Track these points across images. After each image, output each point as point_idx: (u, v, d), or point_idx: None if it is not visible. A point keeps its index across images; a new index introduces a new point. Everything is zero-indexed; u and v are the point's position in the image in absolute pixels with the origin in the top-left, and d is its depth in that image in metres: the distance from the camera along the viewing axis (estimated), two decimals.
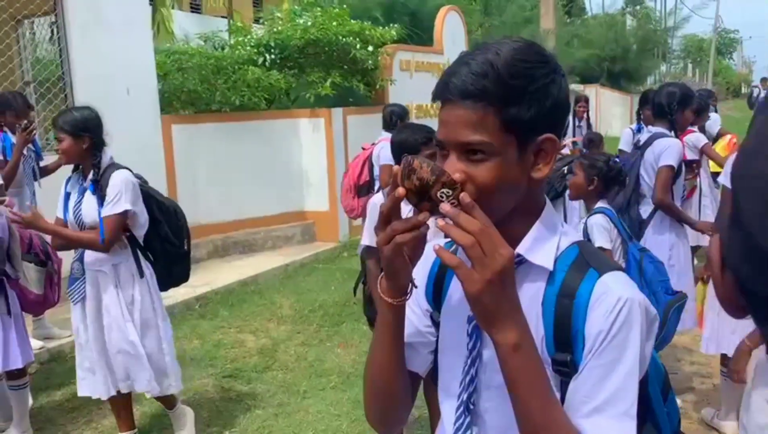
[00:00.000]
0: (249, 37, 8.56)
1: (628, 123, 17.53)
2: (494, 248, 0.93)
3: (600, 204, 3.10)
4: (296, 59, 8.37)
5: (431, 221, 1.00)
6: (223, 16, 15.57)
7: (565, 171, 6.72)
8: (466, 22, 11.42)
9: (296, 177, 8.24)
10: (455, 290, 1.16)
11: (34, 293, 3.67)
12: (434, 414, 3.28)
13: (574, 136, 8.39)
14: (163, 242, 3.38)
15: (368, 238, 3.07)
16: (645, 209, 3.94)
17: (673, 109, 3.90)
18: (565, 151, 8.02)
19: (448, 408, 1.17)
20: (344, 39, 8.09)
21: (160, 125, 6.93)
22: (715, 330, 3.50)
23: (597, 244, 3.01)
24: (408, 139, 2.79)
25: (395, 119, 5.44)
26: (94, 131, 3.20)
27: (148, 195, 3.34)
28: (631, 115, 20.75)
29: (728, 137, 6.06)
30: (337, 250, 7.84)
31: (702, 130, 6.87)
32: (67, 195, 3.26)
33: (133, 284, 3.26)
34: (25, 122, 4.47)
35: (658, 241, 3.85)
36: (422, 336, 1.21)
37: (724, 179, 3.50)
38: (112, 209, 3.10)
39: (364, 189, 5.41)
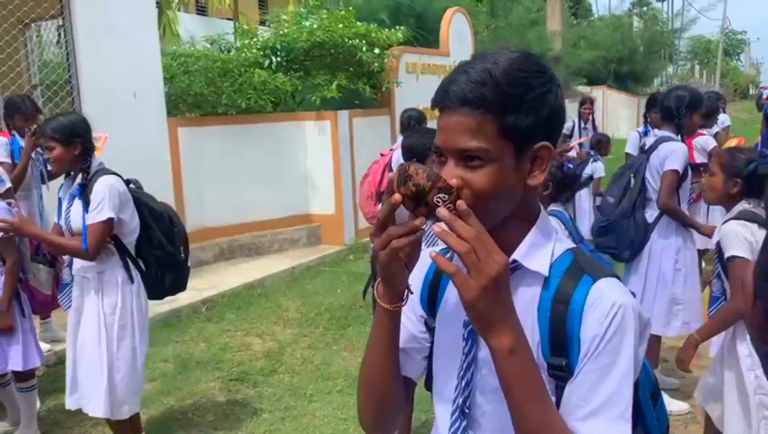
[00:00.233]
0: (255, 39, 8.57)
1: (635, 125, 17.51)
2: (488, 255, 0.95)
3: (552, 207, 3.13)
4: (302, 62, 8.38)
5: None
6: (228, 18, 15.60)
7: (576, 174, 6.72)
8: (472, 23, 11.40)
9: (302, 180, 8.25)
10: (451, 295, 1.18)
11: (43, 294, 3.72)
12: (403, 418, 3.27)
13: (580, 138, 8.38)
14: (156, 250, 3.27)
15: None
16: (651, 213, 3.92)
17: (681, 113, 3.88)
18: (572, 154, 8.02)
19: (443, 412, 1.19)
20: (350, 41, 8.09)
21: (167, 127, 6.94)
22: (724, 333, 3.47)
23: None
24: (417, 143, 2.80)
25: (413, 123, 5.43)
26: (85, 136, 3.12)
27: (139, 201, 3.26)
28: (638, 117, 20.70)
29: (735, 141, 6.02)
30: (343, 253, 7.84)
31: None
32: (60, 201, 3.22)
33: (118, 292, 3.13)
34: (35, 126, 4.47)
35: (665, 245, 3.83)
36: (416, 341, 1.24)
37: None
38: (95, 216, 3.01)
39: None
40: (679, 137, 3.92)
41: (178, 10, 15.77)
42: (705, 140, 5.58)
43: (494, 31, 15.21)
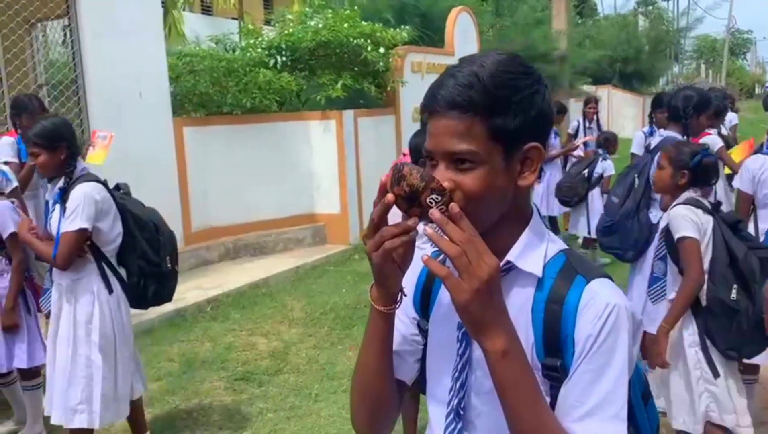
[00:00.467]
0: (260, 39, 8.58)
1: (641, 125, 17.47)
2: (480, 258, 0.96)
3: None
4: (307, 61, 8.38)
5: (420, 227, 1.03)
6: (233, 18, 15.64)
7: (586, 174, 6.71)
8: (477, 23, 11.38)
9: (307, 179, 8.24)
10: (444, 297, 1.19)
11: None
12: (407, 422, 3.28)
13: (585, 137, 8.35)
14: (139, 259, 3.17)
15: None
16: (655, 214, 3.90)
17: (687, 113, 3.86)
18: (578, 153, 8.01)
19: (437, 414, 1.19)
20: (355, 41, 8.08)
21: (172, 127, 6.95)
22: None
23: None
24: (421, 142, 2.79)
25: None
26: (70, 140, 3.03)
27: (123, 208, 3.15)
28: (643, 116, 20.63)
29: (744, 144, 5.97)
30: (348, 252, 7.83)
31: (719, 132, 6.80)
32: (47, 204, 3.18)
33: (93, 301, 3.03)
34: None
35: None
36: (409, 344, 1.25)
37: (740, 183, 3.48)
38: (67, 225, 2.92)
39: None
40: (685, 138, 3.91)
41: (183, 9, 15.81)
42: (712, 140, 5.54)
43: (499, 31, 15.17)
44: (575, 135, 8.48)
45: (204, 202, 7.38)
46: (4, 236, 3.44)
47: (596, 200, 6.86)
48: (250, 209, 7.78)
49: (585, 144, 8.15)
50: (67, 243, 2.92)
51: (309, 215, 8.28)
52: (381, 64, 8.31)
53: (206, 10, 18.72)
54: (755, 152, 5.19)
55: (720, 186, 5.76)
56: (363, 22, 8.43)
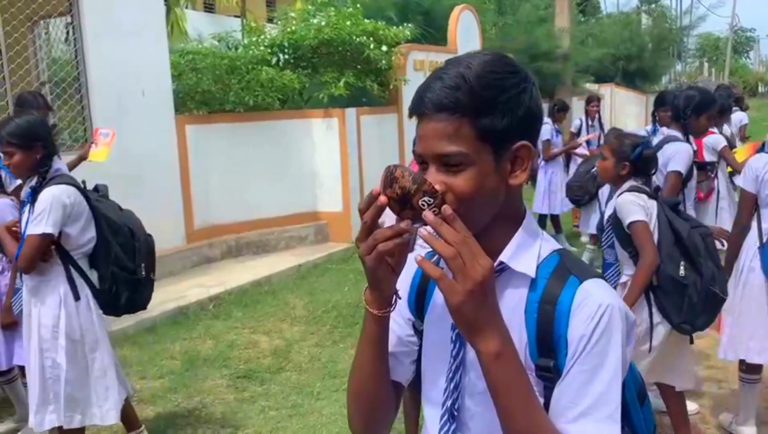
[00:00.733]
0: (262, 37, 8.57)
1: (643, 123, 17.41)
2: (474, 259, 0.96)
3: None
4: (310, 59, 8.37)
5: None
6: (236, 16, 15.62)
7: (595, 172, 6.71)
8: (480, 20, 11.36)
9: (309, 177, 8.24)
10: (438, 298, 1.18)
11: None
12: (409, 423, 3.29)
13: (587, 135, 8.34)
14: (112, 265, 3.06)
15: None
16: None
17: (687, 114, 3.86)
18: (582, 150, 7.99)
19: (433, 415, 1.19)
20: (358, 39, 8.07)
21: (175, 125, 6.96)
22: (733, 335, 3.46)
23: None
24: None
25: None
26: (46, 138, 2.92)
27: (97, 212, 3.03)
28: (646, 115, 20.57)
29: (748, 145, 5.95)
30: (350, 250, 7.83)
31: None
32: (22, 203, 3.07)
33: (60, 305, 2.95)
34: (51, 124, 4.46)
35: None
36: (405, 345, 1.25)
37: (743, 182, 3.46)
38: (32, 228, 2.83)
39: None
40: (687, 137, 3.90)
41: (186, 7, 15.80)
42: (715, 139, 5.53)
43: (502, 29, 15.14)
44: (578, 133, 8.46)
45: (206, 200, 7.39)
46: None
47: (606, 196, 6.84)
48: (252, 207, 7.79)
49: (587, 142, 8.14)
50: (30, 246, 2.84)
51: (311, 213, 8.29)
52: (383, 62, 8.30)
53: (209, 8, 18.71)
54: (757, 151, 5.17)
55: (722, 185, 5.76)
56: (366, 20, 8.41)
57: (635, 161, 3.04)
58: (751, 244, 3.38)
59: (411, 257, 1.10)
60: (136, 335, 5.19)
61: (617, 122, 18.91)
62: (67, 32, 6.25)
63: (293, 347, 5.01)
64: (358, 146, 8.23)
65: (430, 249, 1.03)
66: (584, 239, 7.47)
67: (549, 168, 7.84)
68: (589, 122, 8.53)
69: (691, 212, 3.92)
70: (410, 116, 1.09)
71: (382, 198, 1.01)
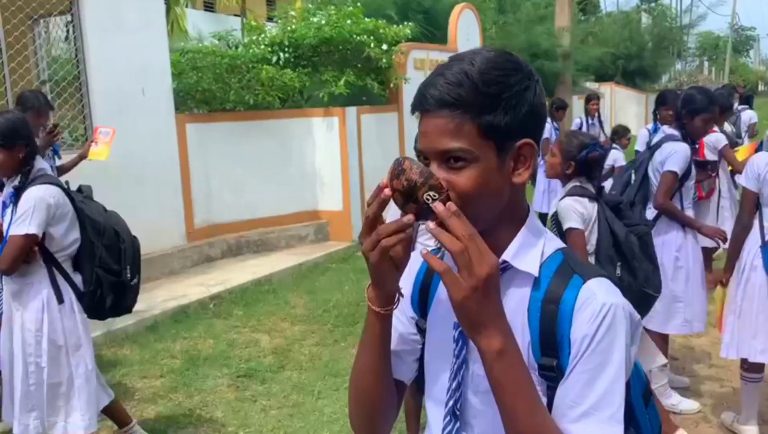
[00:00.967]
0: (263, 35, 8.56)
1: (644, 122, 17.42)
2: (480, 256, 0.95)
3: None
4: (310, 58, 8.36)
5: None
6: (236, 15, 15.61)
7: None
8: (480, 19, 11.36)
9: (310, 176, 8.24)
10: (442, 296, 1.17)
11: None
12: (410, 420, 3.29)
13: None
14: (97, 267, 2.98)
15: None
16: (652, 210, 3.90)
17: (682, 115, 3.85)
18: None
19: (436, 414, 1.18)
20: (358, 37, 8.06)
21: (175, 123, 6.95)
22: (735, 334, 3.46)
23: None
24: None
25: None
26: (28, 138, 2.86)
27: (81, 214, 2.97)
28: (646, 114, 20.58)
29: (748, 146, 5.95)
30: (351, 249, 7.83)
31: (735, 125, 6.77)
32: (3, 204, 3.00)
33: (43, 308, 2.89)
34: (51, 124, 4.44)
35: (665, 241, 3.80)
36: (408, 343, 1.24)
37: (745, 181, 3.46)
38: (15, 229, 2.76)
39: None
40: (687, 137, 3.88)
41: (186, 6, 15.77)
42: (716, 138, 5.53)
43: (502, 27, 15.16)
44: (539, 141, 8.45)
45: (206, 199, 7.38)
46: None
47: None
48: (252, 206, 7.78)
49: None
50: (12, 247, 2.77)
51: (312, 212, 8.28)
52: (384, 60, 8.29)
53: (209, 7, 18.69)
54: (756, 150, 5.16)
55: (724, 183, 5.76)
56: (366, 19, 8.41)
57: (581, 161, 3.10)
58: (753, 243, 3.37)
59: (414, 255, 1.09)
60: (137, 334, 5.18)
61: (617, 120, 18.90)
62: (67, 31, 6.25)
63: (294, 346, 5.01)
64: (359, 145, 8.22)
65: (432, 244, 1.02)
66: None
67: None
68: (589, 121, 8.53)
69: (690, 211, 3.91)
70: (412, 112, 1.08)
71: (387, 191, 1.01)
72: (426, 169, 1.00)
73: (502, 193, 1.07)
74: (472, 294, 0.95)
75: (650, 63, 23.99)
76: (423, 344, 1.23)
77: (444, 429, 1.15)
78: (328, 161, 8.17)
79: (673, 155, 3.73)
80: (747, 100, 9.64)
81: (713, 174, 5.44)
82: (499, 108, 1.02)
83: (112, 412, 3.42)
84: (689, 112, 3.82)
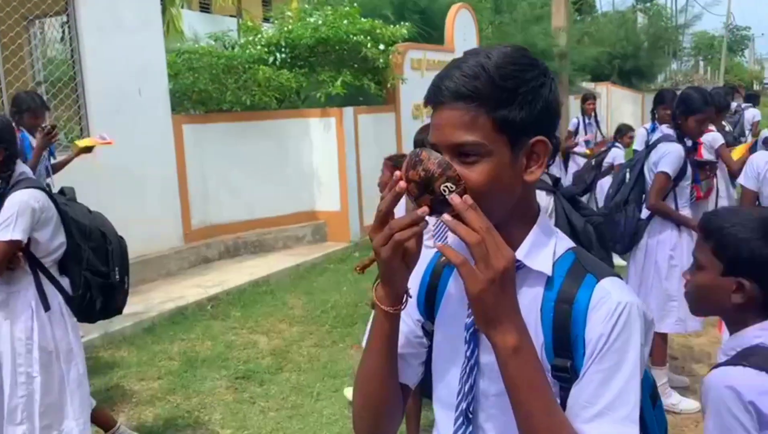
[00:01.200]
0: (259, 36, 8.54)
1: (640, 121, 17.43)
2: (497, 248, 0.94)
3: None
4: (307, 58, 8.35)
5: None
6: (232, 16, 15.59)
7: (593, 163, 6.78)
8: (477, 19, 11.35)
9: (307, 177, 8.22)
10: (451, 297, 1.16)
11: None
12: (410, 421, 3.27)
13: (586, 134, 8.35)
14: (84, 270, 2.93)
15: None
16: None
17: (675, 115, 3.86)
18: (580, 149, 7.99)
19: (445, 419, 1.16)
20: (355, 38, 8.05)
21: (171, 124, 6.93)
22: None
23: None
24: (426, 138, 2.80)
25: None
26: (9, 141, 2.79)
27: (66, 217, 2.91)
28: (642, 113, 20.61)
29: (743, 147, 5.95)
30: (349, 250, 7.81)
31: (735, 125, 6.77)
32: None
33: (32, 315, 2.83)
34: (47, 125, 4.42)
35: (660, 240, 3.81)
36: (413, 346, 1.22)
37: (744, 180, 3.46)
38: None
39: None
40: (681, 138, 3.88)
41: (182, 7, 15.73)
42: (713, 137, 5.52)
43: (499, 27, 15.13)
44: (575, 132, 8.47)
45: (204, 200, 7.36)
46: None
47: (607, 189, 6.88)
48: (249, 206, 7.76)
49: (586, 141, 8.15)
50: None
51: (309, 213, 8.26)
52: (381, 61, 8.28)
53: (204, 8, 18.64)
54: (750, 150, 5.16)
55: (721, 183, 5.76)
56: (362, 19, 8.39)
57: None
58: None
59: (420, 257, 1.08)
60: (134, 336, 5.15)
61: (613, 120, 18.93)
62: (63, 32, 6.22)
63: (292, 347, 4.99)
64: (356, 146, 8.20)
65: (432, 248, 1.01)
66: None
67: None
68: (586, 120, 8.54)
69: (686, 211, 3.91)
70: (425, 104, 1.07)
71: (402, 184, 0.99)
72: (444, 160, 0.98)
73: (513, 190, 1.05)
74: (489, 287, 0.94)
75: (646, 63, 24.03)
76: (429, 347, 1.21)
77: (456, 433, 1.12)
78: (325, 162, 8.16)
79: (666, 156, 3.74)
80: (751, 99, 9.66)
81: (712, 174, 5.44)
82: (515, 103, 1.01)
83: (96, 418, 3.37)
84: (683, 112, 3.82)
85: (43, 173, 4.80)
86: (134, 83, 6.35)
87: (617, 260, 4.26)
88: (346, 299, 5.98)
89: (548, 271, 1.07)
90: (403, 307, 1.09)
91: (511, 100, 1.01)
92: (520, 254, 1.07)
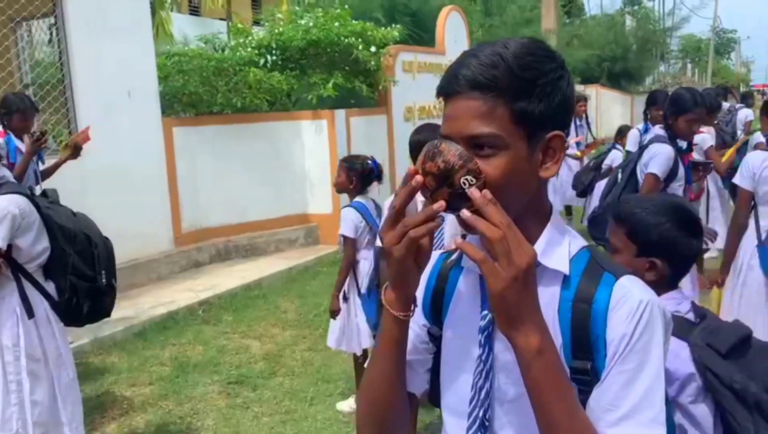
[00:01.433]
0: (249, 38, 8.50)
1: (629, 123, 17.50)
2: (519, 244, 0.91)
3: (357, 199, 3.81)
4: (298, 60, 8.31)
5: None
6: (222, 19, 15.52)
7: (591, 165, 6.79)
8: (467, 22, 11.36)
9: (299, 180, 8.17)
10: (460, 300, 1.12)
11: None
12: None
13: (577, 135, 8.35)
14: (70, 275, 2.88)
15: None
16: None
17: (666, 115, 3.85)
18: (571, 150, 7.99)
19: (456, 427, 1.11)
20: (346, 40, 8.02)
21: (161, 127, 6.87)
22: None
23: (341, 232, 3.84)
24: (427, 138, 2.76)
25: None
26: None
27: (49, 221, 2.84)
28: (631, 115, 20.73)
29: (732, 150, 5.98)
30: (341, 253, 7.76)
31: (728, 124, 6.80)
32: None
33: (17, 322, 2.78)
34: (37, 131, 4.35)
35: None
36: (420, 353, 1.17)
37: (740, 180, 3.45)
38: None
39: None
40: (672, 139, 3.87)
41: (171, 10, 15.66)
42: (702, 138, 5.53)
43: (489, 30, 15.18)
44: (567, 134, 8.48)
45: (194, 203, 7.29)
46: None
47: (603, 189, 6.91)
48: (241, 209, 7.70)
49: (577, 143, 8.15)
50: None
51: (301, 216, 8.21)
52: (372, 63, 8.26)
53: (194, 11, 18.56)
54: (738, 151, 5.16)
55: (711, 184, 5.78)
56: (354, 21, 8.37)
57: (360, 176, 3.60)
58: (749, 243, 3.36)
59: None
60: (125, 341, 5.09)
61: (603, 121, 19.03)
62: (51, 34, 6.15)
63: (285, 351, 4.94)
64: (348, 148, 8.16)
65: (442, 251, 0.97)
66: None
67: None
68: (577, 122, 8.55)
69: None
70: (438, 95, 1.03)
71: (418, 177, 0.95)
72: (464, 151, 0.94)
73: (529, 185, 1.02)
74: (512, 284, 0.90)
75: (635, 65, 24.21)
76: (435, 353, 1.17)
77: None
78: (317, 164, 8.11)
79: (656, 157, 3.72)
80: (744, 99, 9.72)
81: (704, 175, 5.45)
82: (533, 95, 0.97)
83: None
84: (674, 112, 3.81)
85: (32, 177, 4.74)
86: (124, 86, 6.29)
87: None
88: None
89: (565, 270, 1.03)
90: (412, 313, 1.05)
91: (529, 92, 0.97)
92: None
